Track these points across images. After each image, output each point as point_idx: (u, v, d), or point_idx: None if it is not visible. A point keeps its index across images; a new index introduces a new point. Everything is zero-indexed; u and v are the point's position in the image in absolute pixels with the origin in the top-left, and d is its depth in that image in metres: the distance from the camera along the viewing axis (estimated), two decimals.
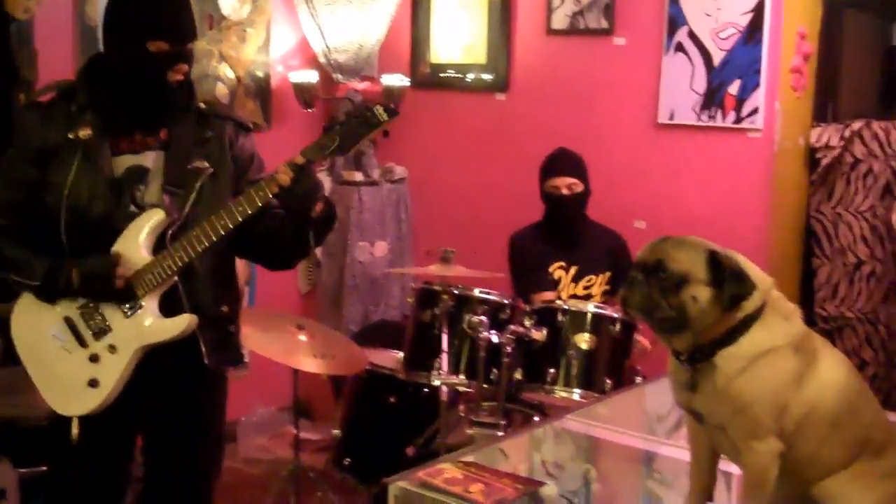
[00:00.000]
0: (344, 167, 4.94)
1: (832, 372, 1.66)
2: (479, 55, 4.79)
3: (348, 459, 3.64)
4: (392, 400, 3.61)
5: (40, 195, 2.41)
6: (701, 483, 1.78)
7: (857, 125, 4.11)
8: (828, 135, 4.14)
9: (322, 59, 4.88)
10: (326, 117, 5.04)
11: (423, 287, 3.54)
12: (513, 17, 4.65)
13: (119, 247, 2.40)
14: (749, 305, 1.63)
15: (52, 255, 2.42)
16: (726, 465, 1.80)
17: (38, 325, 2.48)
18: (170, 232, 2.40)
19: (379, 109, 2.32)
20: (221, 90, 4.65)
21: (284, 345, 3.60)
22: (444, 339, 3.35)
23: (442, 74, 4.93)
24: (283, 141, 4.77)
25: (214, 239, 2.35)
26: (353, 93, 4.91)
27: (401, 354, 3.65)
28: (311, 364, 3.57)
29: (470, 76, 4.82)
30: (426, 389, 3.52)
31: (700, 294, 1.60)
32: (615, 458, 2.34)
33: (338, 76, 4.91)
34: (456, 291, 3.45)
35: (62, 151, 2.40)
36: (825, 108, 4.27)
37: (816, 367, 1.65)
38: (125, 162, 2.44)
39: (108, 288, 2.38)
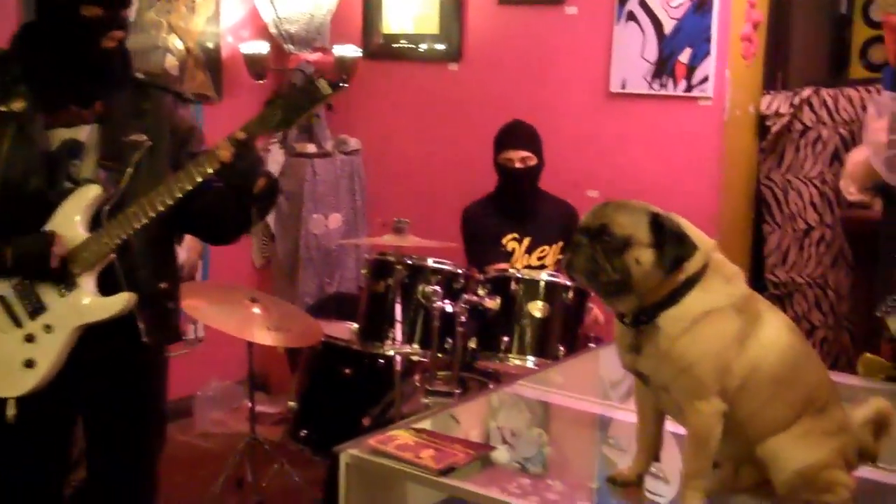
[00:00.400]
0: (297, 139, 4.90)
1: (774, 333, 1.69)
2: (431, 25, 4.77)
3: (305, 431, 3.64)
4: (347, 371, 3.61)
5: None
6: (647, 443, 1.81)
7: (806, 93, 4.16)
8: (777, 102, 4.18)
9: (273, 30, 4.83)
10: (277, 89, 5.00)
11: (377, 258, 3.54)
12: None
13: (54, 224, 2.34)
14: (691, 267, 1.65)
15: None
16: (677, 428, 1.82)
17: None
18: (106, 208, 2.35)
19: (322, 82, 2.26)
20: (171, 61, 4.60)
21: (238, 318, 3.58)
22: (398, 309, 3.35)
23: (394, 45, 4.90)
24: (235, 113, 4.69)
25: (152, 216, 2.30)
26: (304, 64, 4.87)
27: (356, 326, 3.65)
28: (265, 337, 3.56)
29: (423, 46, 4.80)
30: (381, 360, 3.53)
31: (643, 256, 1.62)
32: (569, 423, 2.36)
33: (289, 47, 4.87)
34: (409, 262, 3.44)
35: None
36: (775, 75, 4.30)
37: (758, 329, 1.68)
38: (59, 136, 2.38)
39: (43, 267, 2.32)
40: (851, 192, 3.46)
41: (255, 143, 2.33)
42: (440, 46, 4.75)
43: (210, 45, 4.76)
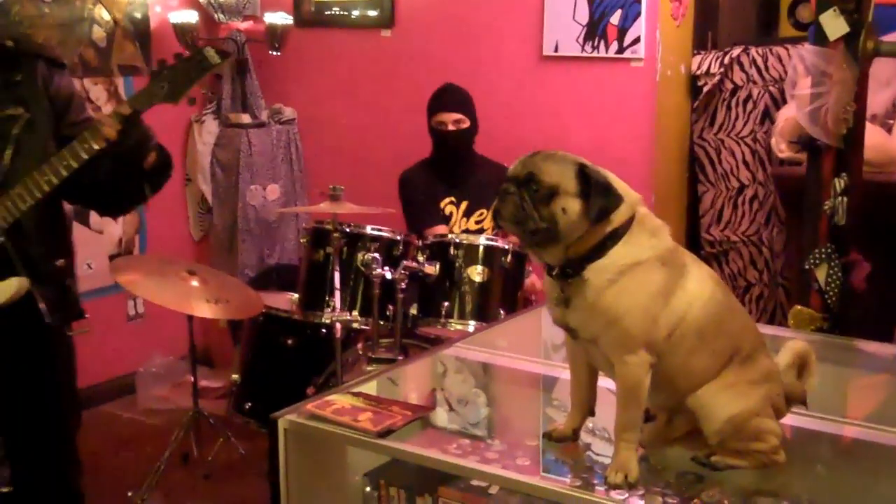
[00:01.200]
0: (231, 109, 4.85)
1: (699, 285, 1.72)
2: None
3: (249, 404, 3.64)
4: (289, 342, 3.61)
5: None
6: (581, 398, 1.84)
7: (735, 52, 4.21)
8: (708, 62, 4.22)
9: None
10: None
11: (315, 226, 3.53)
12: None
13: None
14: (617, 219, 1.67)
15: None
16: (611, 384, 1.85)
17: None
18: None
19: (210, 51, 2.22)
20: (98, 33, 4.51)
21: (177, 291, 3.55)
22: (338, 277, 3.35)
23: (327, 12, 4.85)
24: None
25: (39, 196, 2.23)
26: (235, 32, 4.81)
27: (296, 296, 3.64)
28: (205, 309, 3.54)
29: (355, 13, 4.77)
30: (323, 329, 3.53)
31: (569, 206, 1.64)
32: (512, 384, 2.37)
33: (219, 16, 4.81)
34: (347, 229, 3.44)
35: None
36: (705, 36, 4.35)
37: (684, 281, 1.70)
38: None
39: None
40: (782, 149, 3.54)
41: (141, 117, 2.26)
42: (372, 13, 4.71)
43: (138, 15, 4.67)
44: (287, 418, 1.94)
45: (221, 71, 2.26)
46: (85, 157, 2.22)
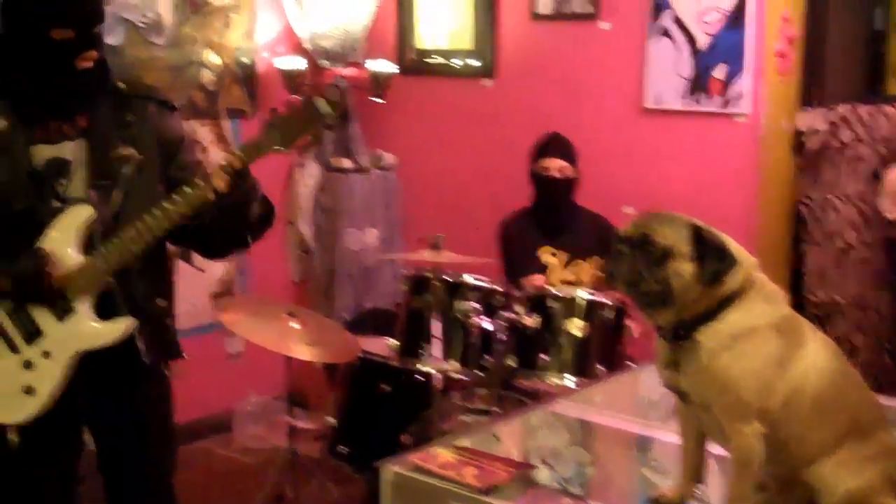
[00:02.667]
0: (333, 155, 4.94)
1: (816, 354, 1.69)
2: (465, 41, 4.79)
3: (343, 447, 3.66)
4: (385, 387, 3.62)
5: None
6: (690, 464, 1.81)
7: (843, 109, 4.13)
8: (814, 119, 4.16)
9: (308, 46, 4.88)
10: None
11: (415, 274, 3.56)
12: (498, 2, 4.65)
13: (46, 245, 2.26)
14: (731, 283, 1.66)
15: None
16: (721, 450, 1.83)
17: None
18: (100, 229, 2.28)
19: (321, 102, 2.22)
20: (207, 77, 4.65)
21: (277, 332, 3.60)
22: (437, 325, 3.37)
23: (428, 60, 4.93)
24: None
25: (151, 241, 2.25)
26: (339, 79, 4.91)
27: (393, 342, 3.67)
28: (303, 352, 3.58)
29: (456, 62, 4.83)
30: (419, 376, 3.54)
31: (683, 269, 1.63)
32: (609, 442, 2.36)
33: (324, 62, 4.91)
34: (447, 278, 3.46)
35: None
36: (810, 91, 4.29)
37: (800, 350, 1.68)
38: (42, 152, 2.29)
39: (40, 290, 2.25)
40: (890, 210, 3.45)
41: (248, 169, 2.27)
42: (474, 62, 4.77)
43: (246, 60, 4.81)
44: (392, 469, 1.96)
45: (332, 122, 2.27)
46: (196, 205, 2.24)
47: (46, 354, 2.29)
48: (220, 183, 2.22)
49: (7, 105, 2.29)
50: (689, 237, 1.65)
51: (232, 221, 2.37)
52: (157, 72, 4.42)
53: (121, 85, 2.40)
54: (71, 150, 2.32)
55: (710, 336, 1.65)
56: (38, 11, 2.23)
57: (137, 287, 2.35)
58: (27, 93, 2.30)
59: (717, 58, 4.06)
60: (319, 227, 4.94)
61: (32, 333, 2.29)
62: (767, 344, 1.66)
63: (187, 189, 2.24)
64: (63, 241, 2.27)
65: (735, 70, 4.02)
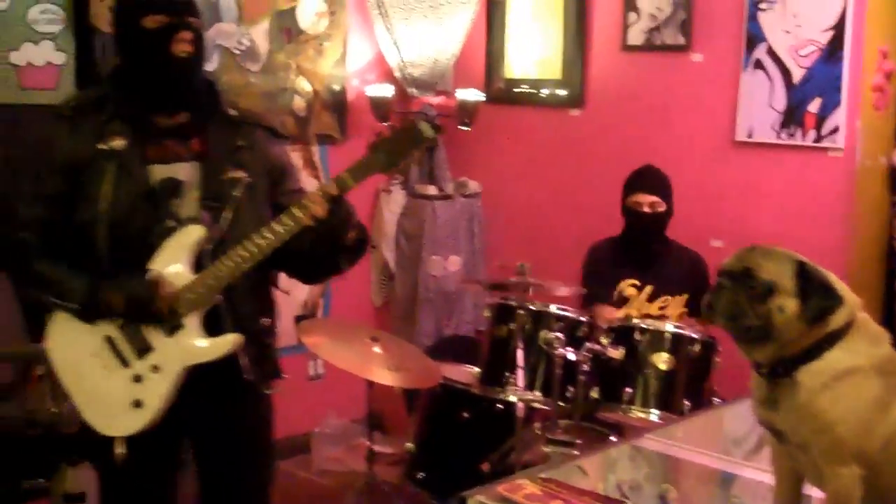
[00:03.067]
0: (418, 181, 4.97)
1: None
2: (553, 70, 4.79)
3: (422, 473, 3.65)
4: (466, 415, 3.61)
5: (71, 209, 2.35)
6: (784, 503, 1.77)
7: None
8: None
9: (397, 74, 4.93)
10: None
11: (500, 302, 3.55)
12: (588, 33, 4.64)
13: (158, 264, 2.33)
14: (835, 321, 1.62)
15: (86, 271, 2.35)
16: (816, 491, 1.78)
17: (76, 345, 2.40)
18: (209, 248, 2.35)
19: (424, 125, 2.26)
20: (298, 103, 4.73)
21: (359, 356, 3.62)
22: (520, 354, 3.35)
23: (516, 89, 4.94)
24: (358, 153, 4.78)
25: (259, 259, 2.31)
26: (427, 107, 4.95)
27: (474, 369, 3.66)
28: (385, 376, 3.59)
29: (544, 91, 4.83)
30: (500, 405, 3.52)
31: (787, 305, 1.60)
32: (693, 479, 2.31)
33: (413, 90, 4.95)
34: (532, 307, 3.44)
35: (94, 163, 2.33)
36: None
37: None
38: (157, 172, 2.36)
39: (150, 311, 2.32)
40: None
41: (345, 197, 2.32)
42: (562, 92, 4.76)
43: (336, 87, 4.88)
44: (477, 498, 1.94)
45: (434, 144, 2.30)
46: (296, 230, 2.29)
47: (155, 369, 2.35)
48: (319, 209, 2.27)
49: (123, 125, 2.37)
50: (793, 273, 1.62)
51: (328, 247, 2.42)
52: (250, 98, 4.51)
53: (232, 112, 2.49)
54: (185, 171, 2.39)
55: (810, 375, 1.61)
56: (132, 5, 2.35)
57: (243, 306, 2.42)
58: (136, 100, 2.38)
59: (812, 91, 3.99)
60: (402, 253, 4.96)
61: (143, 348, 2.36)
62: (869, 385, 1.62)
63: (290, 214, 2.30)
64: (174, 259, 2.34)
65: (830, 104, 3.94)
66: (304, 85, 4.74)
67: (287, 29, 4.64)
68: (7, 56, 3.87)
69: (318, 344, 3.69)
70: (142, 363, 2.36)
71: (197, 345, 2.36)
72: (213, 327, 2.37)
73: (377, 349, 3.65)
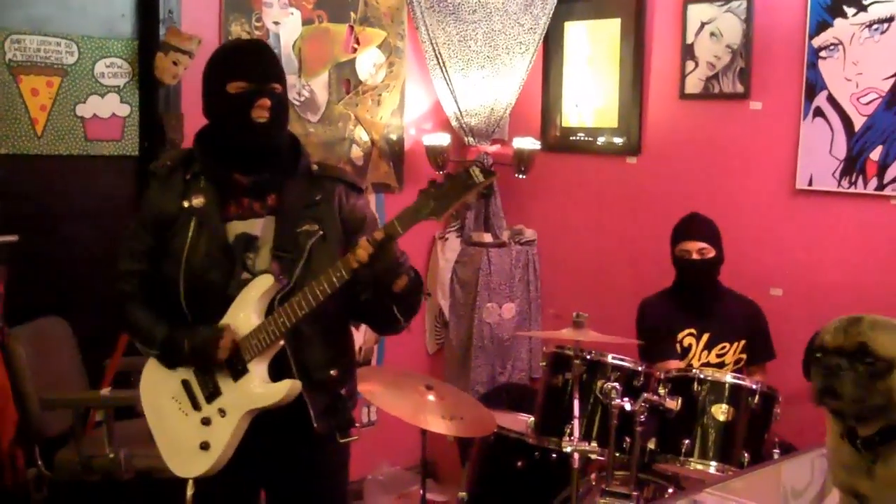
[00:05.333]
0: (474, 228, 4.98)
1: None
2: (610, 119, 4.79)
3: None
4: (520, 464, 3.57)
5: (160, 263, 2.48)
6: None
7: None
8: None
9: (454, 123, 4.96)
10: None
11: (556, 351, 3.53)
12: (645, 81, 4.64)
13: (230, 314, 2.44)
14: None
15: (173, 320, 2.48)
16: None
17: (160, 387, 2.55)
18: (278, 296, 2.42)
19: (475, 170, 2.26)
20: (356, 152, 4.78)
21: (413, 404, 3.61)
22: (576, 404, 3.31)
23: (572, 137, 4.94)
24: None
25: (313, 305, 2.35)
26: (483, 155, 4.97)
27: (528, 418, 3.63)
28: (439, 425, 3.57)
29: (601, 139, 4.83)
30: (555, 455, 3.48)
31: None
32: None
33: (469, 139, 4.98)
34: (589, 357, 3.41)
35: (178, 220, 2.46)
36: None
37: None
38: (235, 228, 2.48)
39: (212, 358, 2.42)
40: None
41: (393, 241, 2.32)
42: (618, 140, 4.76)
43: (393, 136, 4.92)
44: None
45: (488, 190, 2.27)
46: (345, 277, 2.32)
47: (222, 413, 2.44)
48: (362, 253, 2.30)
49: (207, 183, 2.49)
50: None
51: (379, 294, 2.45)
52: (310, 147, 4.52)
53: (314, 167, 2.57)
54: (260, 226, 2.49)
55: None
56: (218, 73, 2.47)
57: (310, 355, 2.47)
58: (218, 161, 2.48)
59: (873, 139, 3.94)
60: (457, 300, 4.96)
61: (213, 393, 2.46)
62: None
63: (340, 262, 2.34)
64: (245, 309, 2.44)
65: (893, 152, 3.89)
66: (362, 135, 4.80)
67: (346, 80, 4.71)
68: (74, 108, 3.98)
69: (372, 391, 3.69)
70: (211, 407, 2.46)
71: (257, 390, 2.42)
72: (282, 375, 2.43)
73: (431, 397, 3.64)
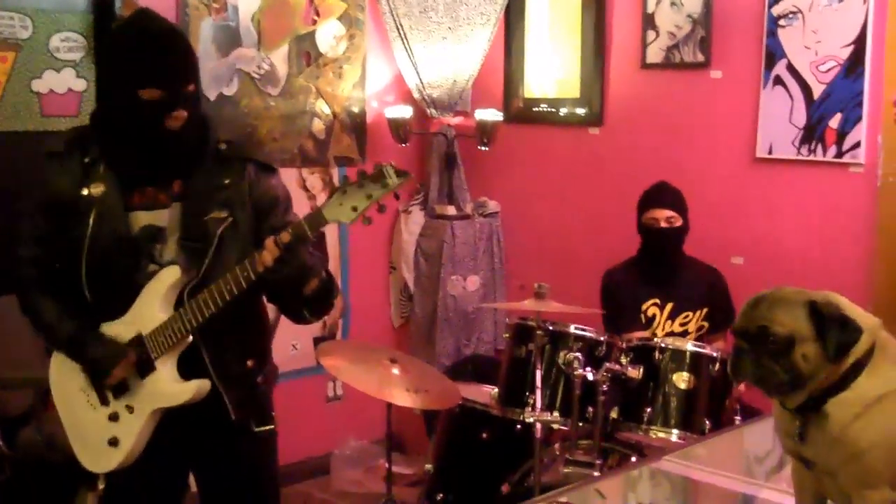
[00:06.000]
0: (437, 201, 4.97)
1: None
2: (572, 89, 4.78)
3: (441, 495, 3.63)
4: (485, 436, 3.59)
5: (60, 250, 2.37)
6: None
7: None
8: None
9: (416, 95, 4.94)
10: (420, 152, 5.10)
11: (518, 323, 3.54)
12: (606, 52, 4.64)
13: (136, 307, 2.36)
14: (858, 350, 1.59)
15: (78, 310, 2.39)
16: None
17: (68, 377, 2.48)
18: (187, 289, 2.33)
19: (389, 170, 2.15)
20: (318, 126, 4.75)
21: (378, 378, 3.61)
22: (539, 375, 3.33)
23: (535, 109, 4.93)
24: None
25: (220, 305, 2.27)
26: (446, 127, 4.96)
27: (494, 390, 3.64)
28: (404, 398, 3.58)
29: (563, 110, 4.82)
30: (520, 426, 3.50)
31: (809, 351, 1.58)
32: (713, 501, 2.29)
33: (432, 111, 4.96)
34: (551, 327, 3.43)
35: (76, 208, 2.33)
36: None
37: None
38: (139, 218, 2.36)
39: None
40: None
41: (301, 245, 2.23)
42: (581, 111, 4.75)
43: (355, 109, 4.89)
44: None
45: (399, 192, 2.14)
46: (252, 277, 2.24)
47: (130, 409, 2.39)
48: (268, 257, 2.22)
49: (107, 171, 2.35)
50: (807, 316, 1.59)
51: (287, 296, 2.40)
52: (270, 121, 4.54)
53: (222, 146, 2.43)
54: (166, 217, 2.37)
55: (840, 406, 1.59)
56: (127, 72, 2.28)
57: (224, 348, 2.40)
58: (123, 159, 2.36)
59: (832, 107, 3.96)
60: (421, 273, 4.96)
61: (120, 388, 2.40)
62: None
63: (245, 262, 2.26)
64: (151, 302, 2.36)
65: (851, 119, 3.91)
66: (324, 108, 4.77)
67: (306, 52, 4.67)
68: (29, 84, 3.92)
69: (336, 366, 3.69)
70: (118, 402, 2.41)
71: (164, 389, 2.37)
72: (194, 370, 2.36)
73: (396, 370, 3.64)
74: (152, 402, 2.37)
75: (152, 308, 2.35)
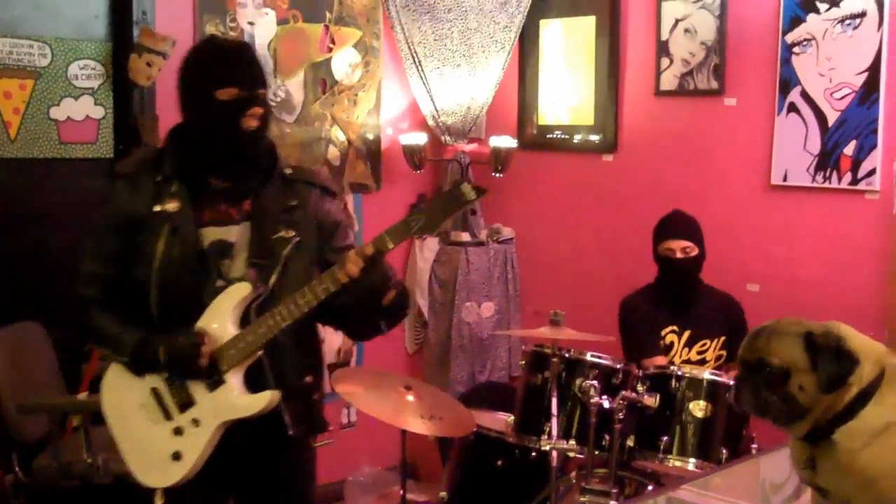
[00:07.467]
0: (452, 227, 4.98)
1: None
2: (586, 117, 4.80)
3: None
4: (500, 463, 3.58)
5: (129, 267, 2.43)
6: None
7: None
8: None
9: (431, 122, 4.96)
10: (435, 178, 5.11)
11: (534, 350, 3.53)
12: (620, 79, 4.65)
13: (204, 322, 2.39)
14: (864, 378, 1.60)
15: (142, 326, 2.43)
16: None
17: (126, 395, 2.49)
18: (255, 305, 2.39)
19: (467, 187, 2.26)
20: (333, 153, 4.77)
21: (392, 405, 3.60)
22: (555, 403, 3.32)
23: (549, 136, 4.95)
24: (392, 202, 4.86)
25: (297, 317, 2.34)
26: (460, 154, 4.97)
27: (508, 417, 3.63)
28: (419, 425, 3.56)
29: (577, 137, 4.83)
30: (535, 454, 3.49)
31: (805, 381, 1.60)
32: None
33: (446, 138, 4.98)
34: (567, 355, 3.42)
35: (149, 224, 2.41)
36: None
37: None
38: (210, 234, 2.44)
39: (192, 367, 2.38)
40: None
41: (383, 257, 2.32)
42: (595, 138, 4.76)
43: (370, 136, 4.92)
44: None
45: (476, 206, 2.28)
46: (332, 290, 2.31)
47: (196, 422, 2.40)
48: (353, 268, 2.28)
49: (180, 187, 2.43)
50: (803, 348, 1.61)
51: (367, 307, 2.44)
52: (285, 148, 4.54)
53: (287, 171, 2.54)
54: (235, 233, 2.45)
55: (847, 436, 1.59)
56: (205, 74, 2.39)
57: (286, 363, 2.45)
58: (199, 167, 2.43)
59: (847, 134, 3.96)
60: (435, 300, 4.96)
61: (186, 402, 2.42)
62: None
63: (327, 274, 2.33)
64: (221, 317, 2.40)
65: (866, 146, 3.91)
66: (339, 135, 4.79)
67: (322, 80, 4.70)
68: (48, 111, 3.95)
69: (351, 392, 3.68)
70: (183, 416, 2.42)
71: (235, 401, 2.40)
72: (256, 384, 2.41)
73: (410, 397, 3.63)
74: (222, 414, 2.39)
75: (221, 322, 2.39)
